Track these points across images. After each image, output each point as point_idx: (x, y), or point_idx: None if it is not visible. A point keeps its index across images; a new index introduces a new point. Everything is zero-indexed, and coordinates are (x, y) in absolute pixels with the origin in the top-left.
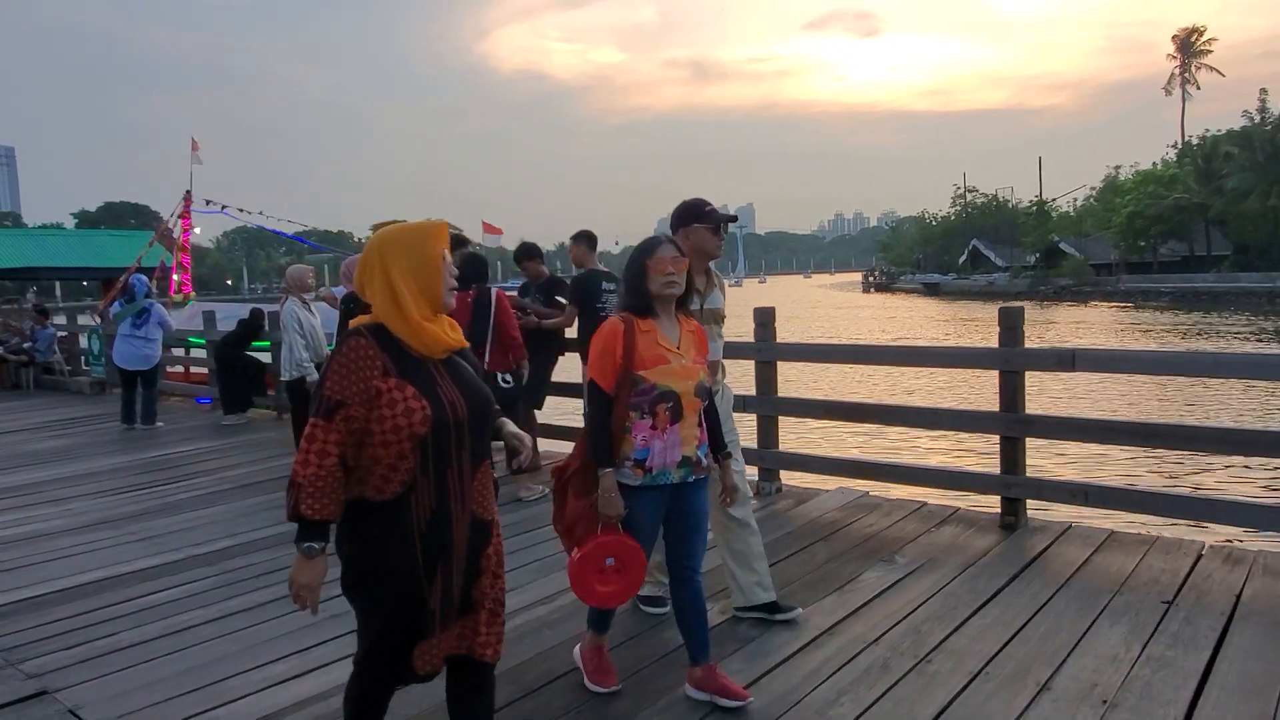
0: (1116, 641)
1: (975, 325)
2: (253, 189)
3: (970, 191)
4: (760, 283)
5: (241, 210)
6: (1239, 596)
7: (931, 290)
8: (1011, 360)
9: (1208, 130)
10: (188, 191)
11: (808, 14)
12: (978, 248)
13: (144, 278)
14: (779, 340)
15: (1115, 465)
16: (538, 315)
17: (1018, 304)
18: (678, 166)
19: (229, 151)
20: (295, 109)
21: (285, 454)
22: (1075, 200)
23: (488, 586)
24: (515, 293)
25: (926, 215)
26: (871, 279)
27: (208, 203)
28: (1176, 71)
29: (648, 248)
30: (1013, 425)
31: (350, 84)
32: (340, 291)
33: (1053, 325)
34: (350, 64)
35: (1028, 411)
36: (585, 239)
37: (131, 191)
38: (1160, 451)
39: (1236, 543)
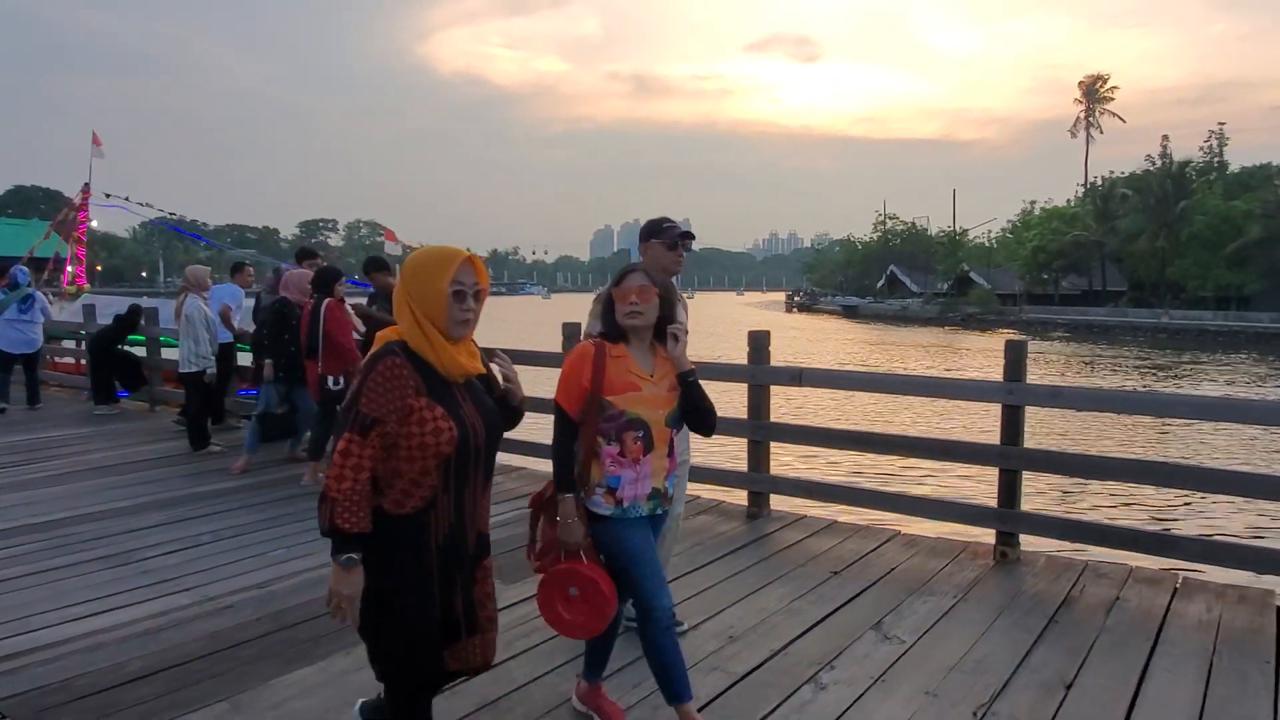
0: (778, 595)
1: (882, 348)
2: (177, 179)
3: (890, 219)
4: (688, 298)
5: (143, 205)
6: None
7: (850, 312)
8: (757, 376)
9: (1112, 171)
10: (85, 184)
11: (749, 36)
12: (895, 273)
13: (25, 269)
14: None
15: (840, 467)
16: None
17: (763, 330)
18: (618, 179)
19: (154, 139)
20: (226, 99)
21: (149, 441)
22: (990, 232)
23: (484, 597)
24: (365, 301)
25: (852, 239)
26: (794, 299)
27: (107, 196)
28: (1082, 115)
29: (617, 277)
30: (758, 430)
31: (284, 76)
32: (266, 298)
33: (959, 351)
34: (284, 56)
35: (771, 420)
36: (385, 266)
37: (44, 176)
38: (875, 456)
39: (919, 533)
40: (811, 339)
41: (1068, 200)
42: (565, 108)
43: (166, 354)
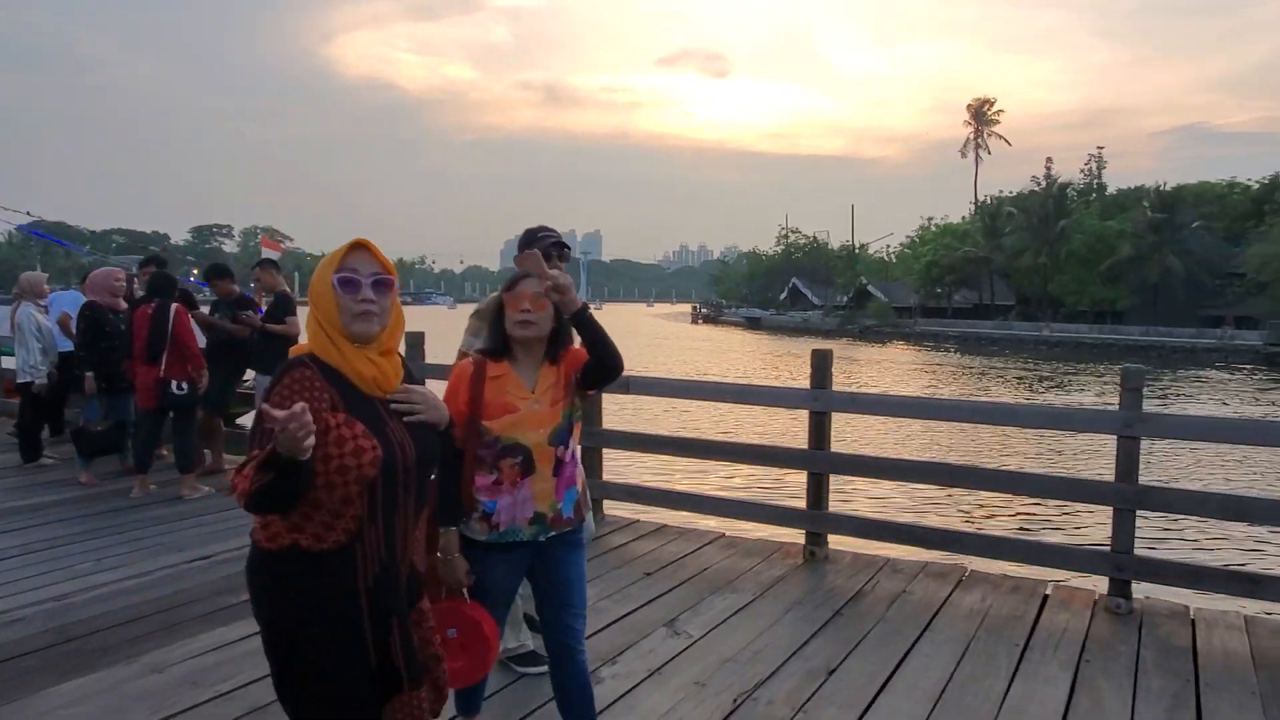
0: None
1: (783, 359)
2: (57, 180)
3: (793, 233)
4: (596, 309)
5: (6, 209)
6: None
7: (753, 324)
8: None
9: (1001, 191)
10: None
11: (661, 50)
12: (797, 286)
13: None
14: None
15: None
16: (251, 325)
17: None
18: (528, 188)
19: (32, 137)
20: (113, 97)
21: None
22: (889, 247)
23: (423, 642)
24: (207, 309)
25: (757, 251)
26: (700, 311)
27: None
28: (971, 137)
29: (510, 281)
30: (590, 437)
31: (176, 75)
32: (79, 299)
33: (855, 362)
34: (176, 54)
35: (603, 428)
36: (273, 265)
37: None
38: (704, 462)
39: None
40: (716, 350)
41: (963, 217)
42: (475, 115)
43: (7, 363)
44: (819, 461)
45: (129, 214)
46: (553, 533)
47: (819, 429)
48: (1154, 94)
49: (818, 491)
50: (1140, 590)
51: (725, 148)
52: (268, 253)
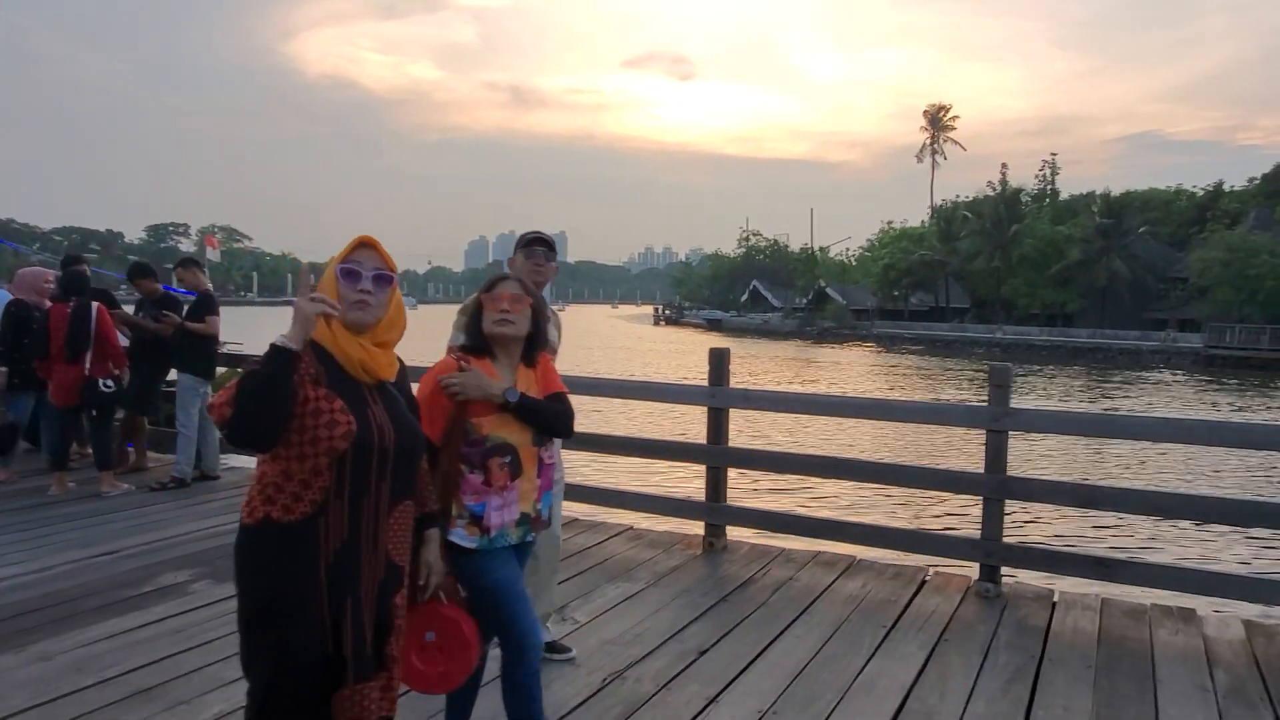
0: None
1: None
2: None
3: (754, 235)
4: (560, 311)
5: None
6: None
7: (714, 326)
8: None
9: (958, 195)
10: None
11: (627, 52)
12: (758, 288)
13: None
14: None
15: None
16: (171, 324)
17: None
18: (494, 189)
19: None
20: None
21: None
22: (848, 250)
23: (395, 645)
24: (132, 309)
25: (720, 253)
26: (662, 313)
27: None
28: (928, 142)
29: (489, 283)
30: None
31: (131, 73)
32: (5, 297)
33: (814, 364)
34: (132, 50)
35: None
36: (195, 264)
37: None
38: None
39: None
40: (678, 352)
41: (922, 222)
42: (440, 115)
43: None
44: (716, 456)
45: (81, 212)
46: (533, 535)
47: (716, 424)
48: (1109, 102)
49: (716, 485)
50: (1037, 578)
51: (691, 150)
52: (210, 252)
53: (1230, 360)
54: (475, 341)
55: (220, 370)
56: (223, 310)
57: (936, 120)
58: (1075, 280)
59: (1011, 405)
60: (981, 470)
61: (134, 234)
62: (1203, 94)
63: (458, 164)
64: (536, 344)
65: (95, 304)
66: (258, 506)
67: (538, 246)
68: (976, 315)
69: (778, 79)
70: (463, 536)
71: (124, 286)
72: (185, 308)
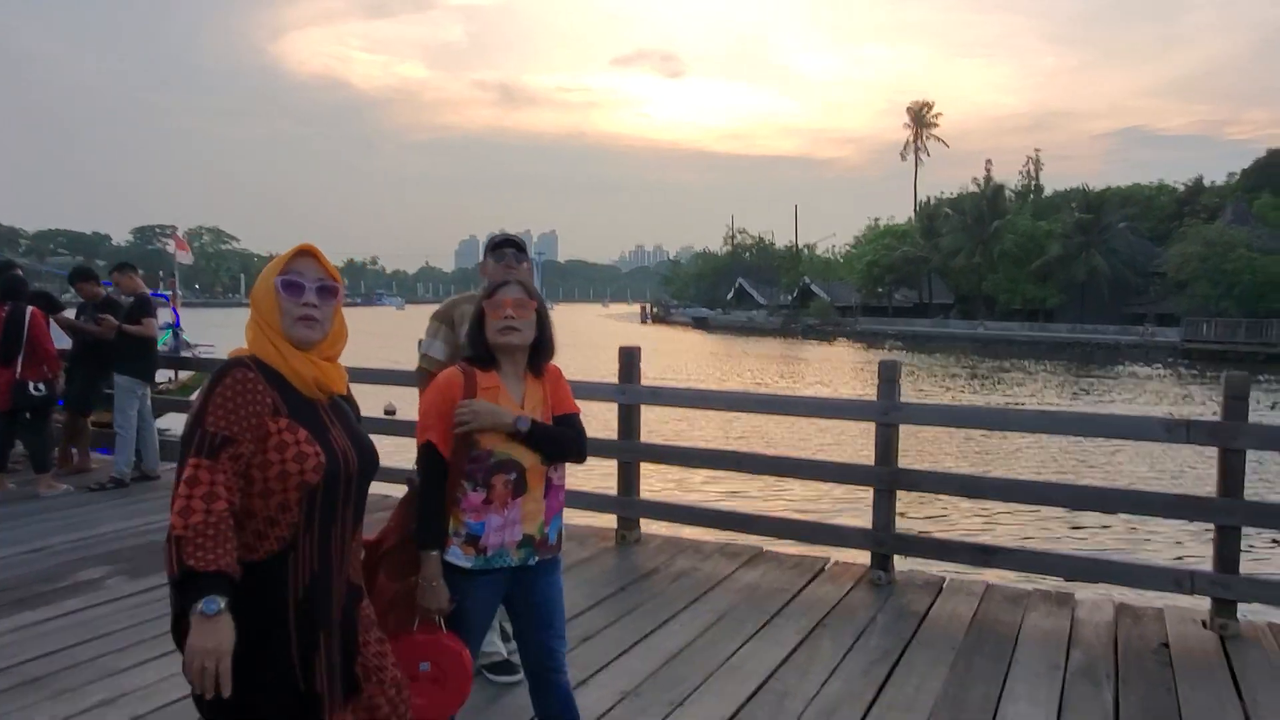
0: None
1: (729, 359)
2: None
3: (740, 233)
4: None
5: None
6: None
7: (700, 324)
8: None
9: (943, 192)
10: None
11: (615, 50)
12: (743, 286)
13: None
14: None
15: None
16: (110, 326)
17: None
18: (485, 189)
19: None
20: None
21: None
22: (833, 247)
23: (373, 656)
24: (73, 313)
25: (707, 251)
26: (649, 311)
27: None
28: (911, 139)
29: (489, 289)
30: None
31: (124, 71)
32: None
33: (802, 361)
34: (124, 50)
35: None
36: (131, 269)
37: None
38: None
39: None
40: (666, 351)
41: (908, 218)
42: (429, 115)
43: None
44: (626, 451)
45: (69, 215)
46: (538, 558)
47: (627, 420)
48: (1098, 98)
49: (627, 479)
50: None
51: (682, 148)
52: (181, 255)
53: (1207, 354)
54: (478, 352)
55: (186, 374)
56: (209, 312)
57: (920, 117)
58: (1055, 276)
59: (900, 400)
60: (872, 463)
61: (121, 236)
62: (1191, 89)
63: (448, 163)
64: (543, 351)
65: (30, 308)
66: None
67: (506, 248)
68: (960, 311)
69: (768, 75)
70: (458, 555)
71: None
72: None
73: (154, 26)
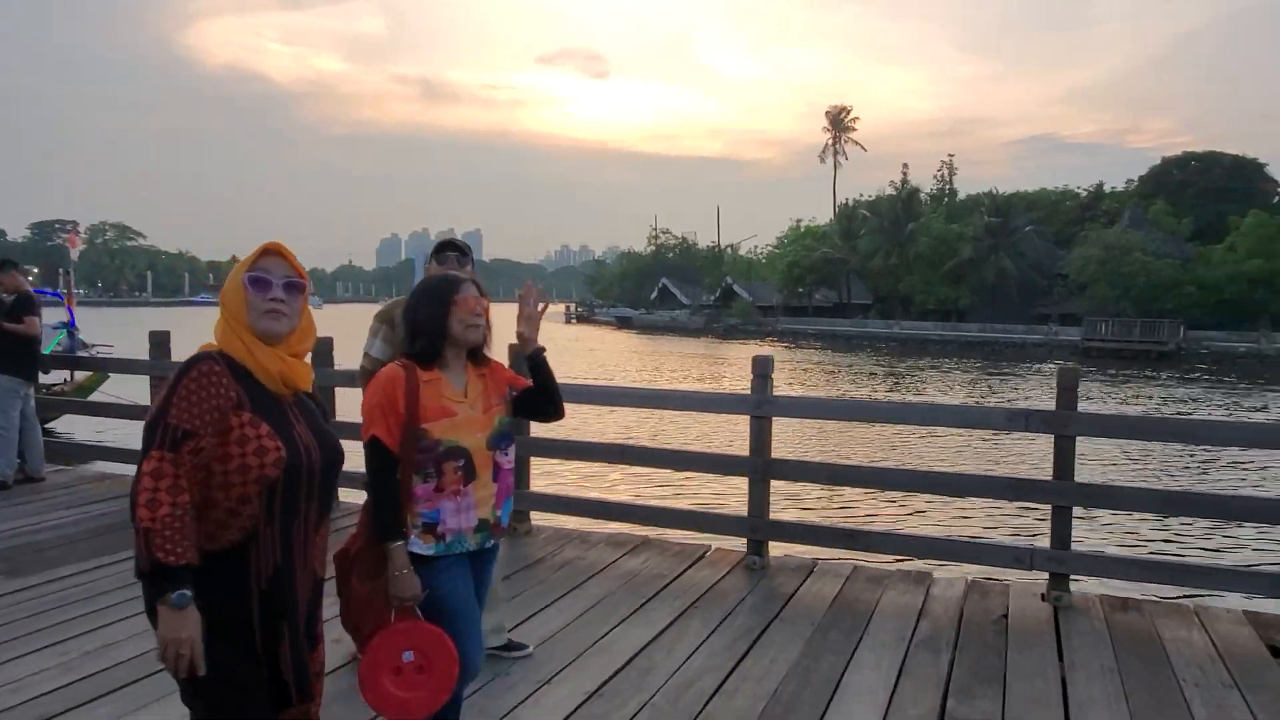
0: None
1: (652, 357)
2: None
3: (663, 233)
4: None
5: None
6: None
7: (624, 323)
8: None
9: (862, 194)
10: None
11: (540, 49)
12: (667, 285)
13: None
14: None
15: None
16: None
17: (327, 337)
18: (407, 186)
19: None
20: None
21: None
22: (756, 248)
23: (318, 664)
24: None
25: (632, 251)
26: (573, 311)
27: None
28: (830, 142)
29: (450, 285)
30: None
31: (18, 62)
32: None
33: (723, 361)
34: (17, 39)
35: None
36: (13, 266)
37: None
38: None
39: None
40: (586, 351)
41: (830, 220)
42: (348, 109)
43: None
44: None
45: None
46: (493, 541)
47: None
48: (1010, 105)
49: (518, 471)
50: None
51: (608, 148)
52: (73, 251)
53: (1105, 352)
54: (433, 344)
55: (83, 375)
56: (109, 312)
57: (839, 121)
58: (967, 277)
59: (772, 394)
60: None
61: (17, 232)
62: (1096, 98)
63: (368, 159)
64: (483, 346)
65: None
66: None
67: (449, 252)
68: (878, 311)
69: (693, 77)
70: (417, 545)
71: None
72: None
73: (58, 14)
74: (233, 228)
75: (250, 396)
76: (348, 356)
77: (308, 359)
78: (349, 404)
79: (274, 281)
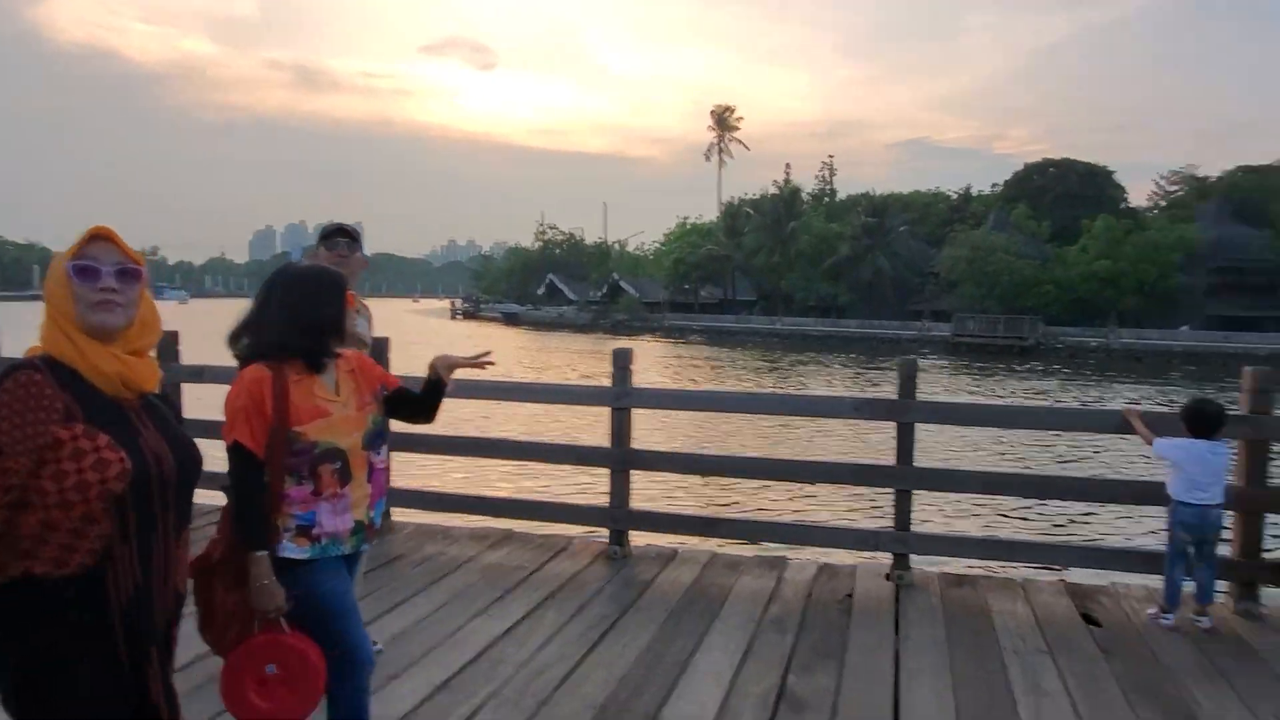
0: None
1: (540, 354)
2: None
3: (550, 229)
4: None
5: None
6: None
7: (511, 319)
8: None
9: (747, 192)
10: None
11: (424, 38)
12: (554, 281)
13: None
14: None
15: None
16: None
17: (172, 330)
18: (282, 176)
19: None
20: None
21: None
22: (643, 244)
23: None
24: None
25: (519, 247)
26: (459, 306)
27: None
28: (715, 141)
29: (336, 280)
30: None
31: None
32: None
33: (601, 355)
34: None
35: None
36: None
37: None
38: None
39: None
40: (476, 347)
41: (715, 217)
42: (218, 94)
43: None
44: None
45: None
46: (366, 545)
47: None
48: (888, 109)
49: None
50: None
51: (495, 141)
52: None
53: (972, 347)
54: (319, 343)
55: None
56: None
57: (723, 120)
58: (845, 275)
59: (632, 385)
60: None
61: None
62: (966, 105)
63: (240, 147)
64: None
65: None
66: (10, 562)
67: (339, 238)
68: (762, 307)
69: (580, 72)
70: (290, 549)
71: None
72: None
73: None
74: (90, 217)
75: (83, 404)
76: (217, 355)
77: (152, 355)
78: (194, 401)
79: (103, 269)
